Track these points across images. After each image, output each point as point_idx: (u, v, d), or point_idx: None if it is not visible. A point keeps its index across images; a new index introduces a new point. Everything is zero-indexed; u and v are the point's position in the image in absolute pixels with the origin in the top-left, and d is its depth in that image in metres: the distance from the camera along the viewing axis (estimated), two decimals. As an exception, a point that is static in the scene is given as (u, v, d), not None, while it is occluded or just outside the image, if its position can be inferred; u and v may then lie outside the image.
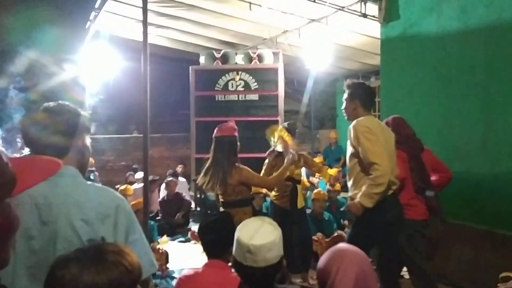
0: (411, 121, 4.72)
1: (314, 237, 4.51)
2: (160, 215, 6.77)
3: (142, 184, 5.53)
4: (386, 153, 2.81)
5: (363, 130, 2.79)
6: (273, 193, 4.30)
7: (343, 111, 3.10)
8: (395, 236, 2.96)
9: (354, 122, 2.88)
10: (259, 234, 1.55)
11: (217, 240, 2.14)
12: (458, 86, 4.20)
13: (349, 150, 2.94)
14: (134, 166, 8.97)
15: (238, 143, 3.34)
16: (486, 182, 3.94)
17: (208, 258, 2.20)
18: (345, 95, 3.03)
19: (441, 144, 4.39)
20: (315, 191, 5.36)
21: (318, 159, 7.25)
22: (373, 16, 5.31)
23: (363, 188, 2.78)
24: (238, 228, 1.62)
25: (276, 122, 6.73)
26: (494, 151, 3.89)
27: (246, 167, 3.24)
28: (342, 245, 1.54)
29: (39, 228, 1.29)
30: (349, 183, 2.99)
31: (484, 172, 3.95)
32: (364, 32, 6.41)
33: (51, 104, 1.44)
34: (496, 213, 3.77)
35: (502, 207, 3.61)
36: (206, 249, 2.22)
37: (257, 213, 4.45)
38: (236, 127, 3.42)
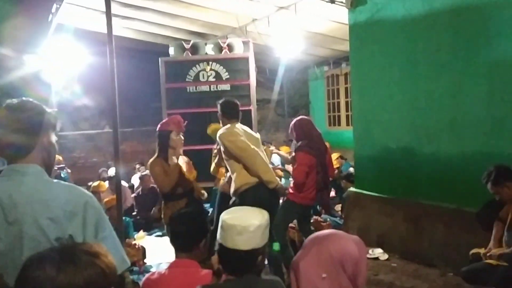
0: (381, 105, 4.83)
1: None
2: (135, 210, 6.68)
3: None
4: (250, 145, 3.47)
5: (224, 136, 3.50)
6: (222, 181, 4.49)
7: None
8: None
9: (218, 133, 3.58)
10: (246, 216, 1.58)
11: (188, 232, 2.01)
12: (426, 68, 4.28)
13: (224, 155, 3.63)
14: (109, 162, 8.79)
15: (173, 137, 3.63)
16: (454, 162, 4.05)
17: (176, 254, 2.04)
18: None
19: (410, 126, 4.48)
20: None
21: (285, 149, 7.27)
22: (341, 2, 5.33)
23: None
24: (222, 215, 1.61)
25: (249, 111, 6.72)
26: (462, 131, 4.00)
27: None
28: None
29: (4, 228, 1.25)
30: (233, 177, 3.65)
31: (453, 153, 4.06)
32: (332, 18, 6.43)
33: (14, 101, 1.38)
34: (464, 192, 3.88)
35: (471, 185, 3.71)
36: (176, 243, 2.05)
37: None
38: (175, 120, 3.73)
